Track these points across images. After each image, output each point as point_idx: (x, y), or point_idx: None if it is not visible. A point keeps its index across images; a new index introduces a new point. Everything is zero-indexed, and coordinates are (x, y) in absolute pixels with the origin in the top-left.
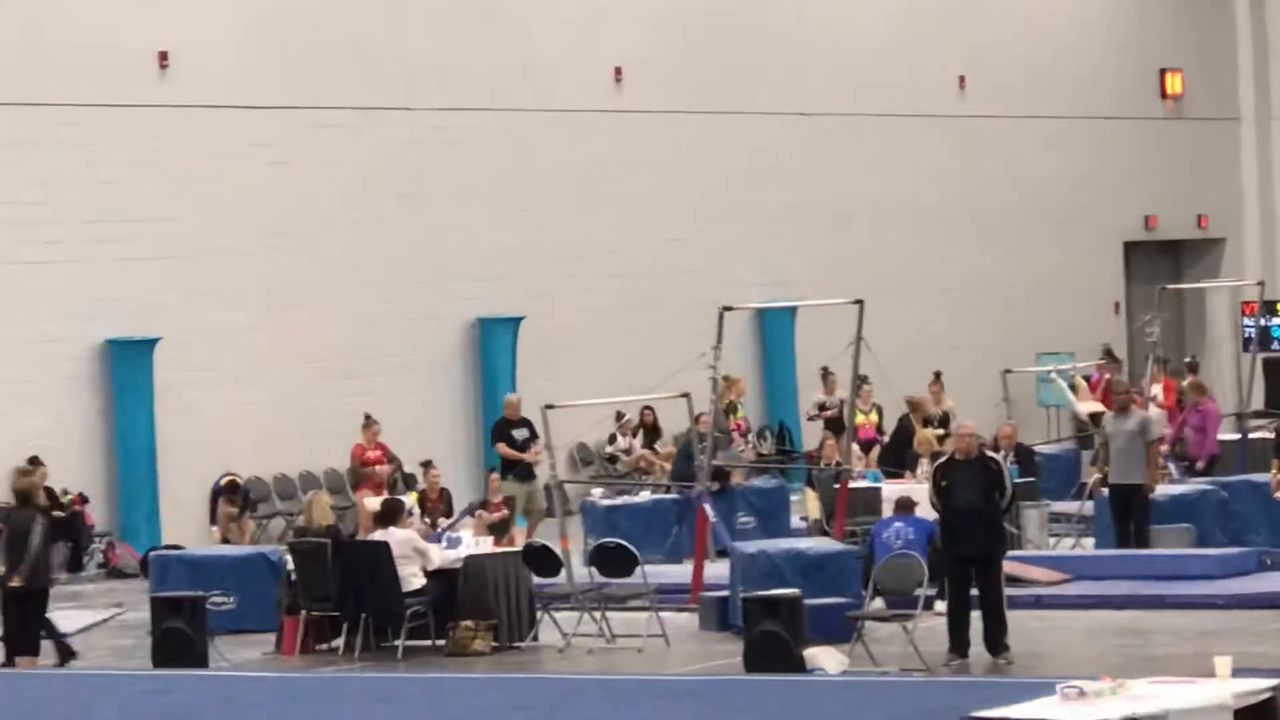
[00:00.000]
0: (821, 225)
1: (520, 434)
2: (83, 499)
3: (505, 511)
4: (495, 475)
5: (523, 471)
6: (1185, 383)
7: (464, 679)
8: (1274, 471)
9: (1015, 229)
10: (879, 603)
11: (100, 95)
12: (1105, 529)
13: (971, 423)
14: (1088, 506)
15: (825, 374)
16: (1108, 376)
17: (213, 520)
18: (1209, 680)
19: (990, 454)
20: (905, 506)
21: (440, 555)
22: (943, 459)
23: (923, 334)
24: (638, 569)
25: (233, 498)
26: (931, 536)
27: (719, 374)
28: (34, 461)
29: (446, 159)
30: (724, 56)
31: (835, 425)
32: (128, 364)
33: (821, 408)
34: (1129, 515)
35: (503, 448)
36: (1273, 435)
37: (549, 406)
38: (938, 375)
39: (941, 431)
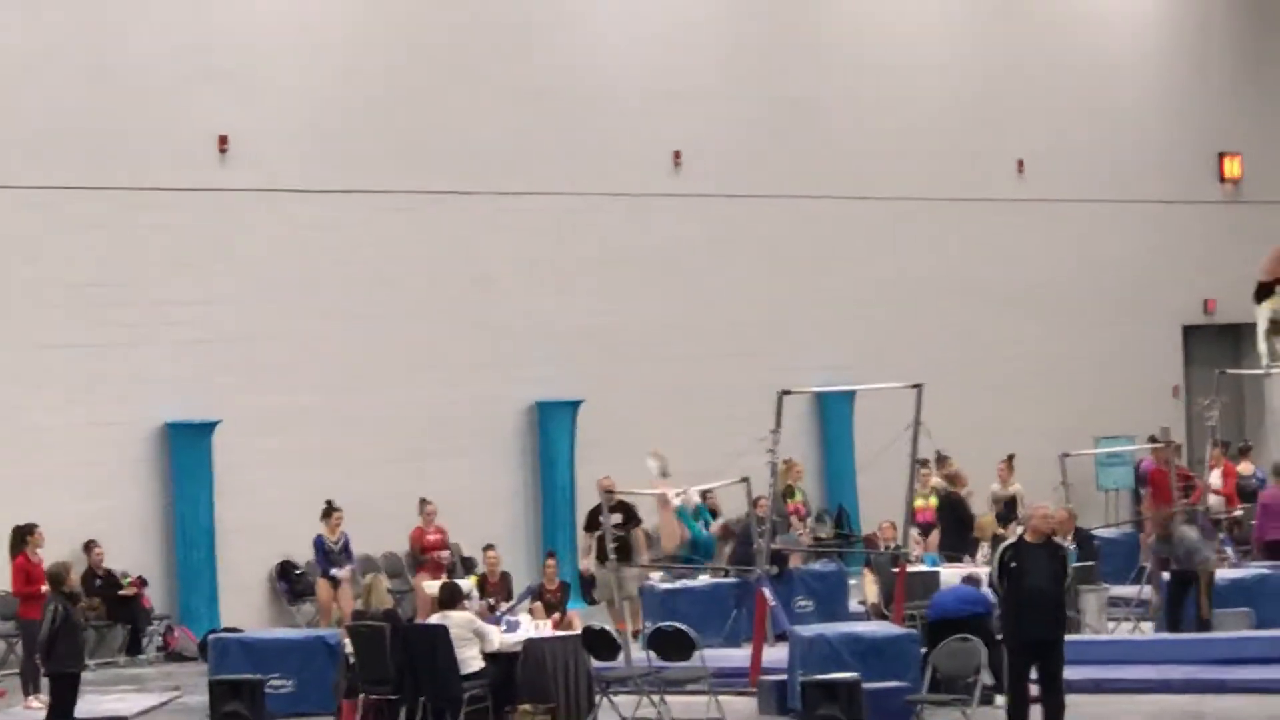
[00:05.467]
0: (880, 308)
1: (612, 519)
2: (142, 582)
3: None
4: (552, 560)
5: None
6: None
7: None
8: None
9: (1074, 312)
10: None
11: (161, 178)
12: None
13: (1063, 507)
14: (1147, 591)
15: (939, 459)
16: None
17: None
18: None
19: (1056, 539)
20: (972, 582)
21: (499, 638)
22: (1011, 540)
23: (981, 417)
24: (696, 653)
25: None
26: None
27: (778, 458)
28: (89, 546)
29: (506, 242)
30: (783, 140)
31: (952, 511)
32: (187, 447)
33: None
34: (1184, 600)
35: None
36: None
37: (608, 492)
38: (1010, 458)
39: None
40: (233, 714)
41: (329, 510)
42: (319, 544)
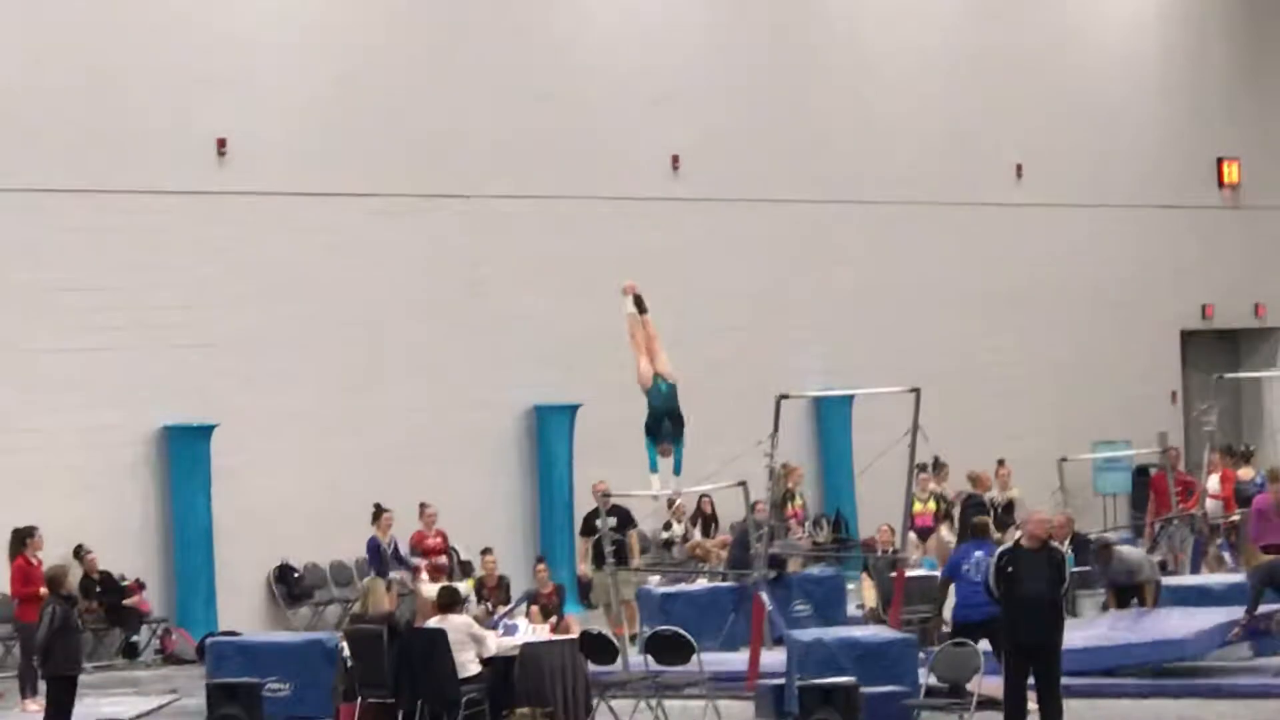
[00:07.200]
0: (879, 313)
1: (608, 523)
2: (140, 585)
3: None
4: (542, 565)
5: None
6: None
7: None
8: None
9: (1072, 317)
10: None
11: (159, 182)
12: None
13: (1061, 512)
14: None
15: (936, 463)
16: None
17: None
18: None
19: (1054, 543)
20: (982, 530)
21: (496, 642)
22: (1009, 545)
23: (980, 422)
24: (694, 657)
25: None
26: None
27: (776, 462)
28: (78, 552)
29: (504, 246)
30: (781, 144)
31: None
32: (185, 450)
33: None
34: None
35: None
36: None
37: (605, 495)
38: (1001, 462)
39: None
40: (230, 717)
41: (378, 512)
42: (374, 545)
